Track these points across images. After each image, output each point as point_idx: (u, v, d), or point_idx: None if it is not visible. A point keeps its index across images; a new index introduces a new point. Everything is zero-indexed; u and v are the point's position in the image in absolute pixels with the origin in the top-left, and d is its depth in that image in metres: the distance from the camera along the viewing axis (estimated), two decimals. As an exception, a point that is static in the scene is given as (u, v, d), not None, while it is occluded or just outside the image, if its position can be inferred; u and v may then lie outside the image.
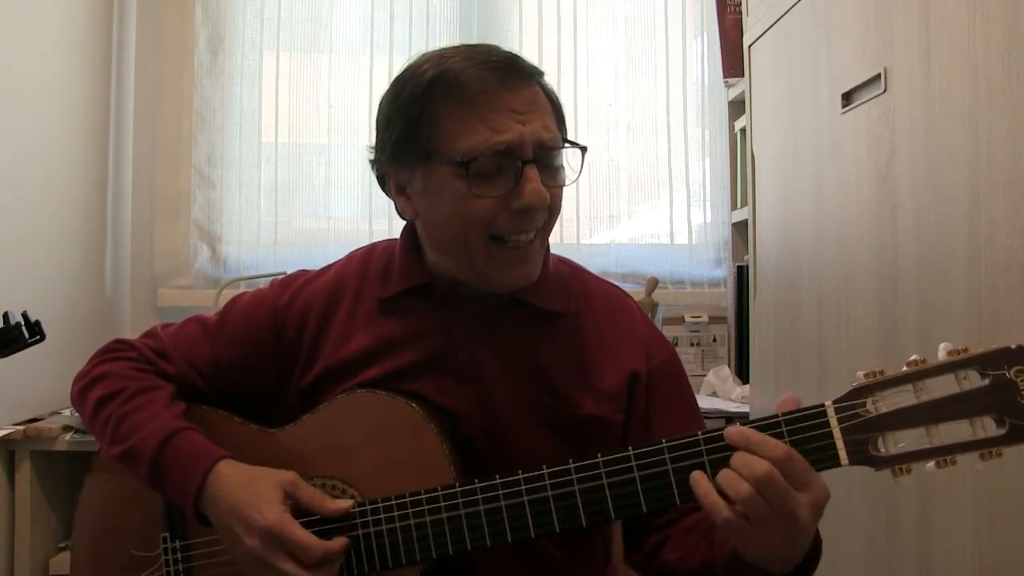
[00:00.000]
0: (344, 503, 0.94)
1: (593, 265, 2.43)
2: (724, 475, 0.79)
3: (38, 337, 1.22)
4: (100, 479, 1.12)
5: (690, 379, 1.11)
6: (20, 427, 1.84)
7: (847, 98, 1.37)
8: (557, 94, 1.02)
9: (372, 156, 1.05)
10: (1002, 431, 0.76)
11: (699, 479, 0.81)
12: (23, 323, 1.21)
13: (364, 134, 2.49)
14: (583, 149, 1.01)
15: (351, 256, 1.13)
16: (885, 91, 1.24)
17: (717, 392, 2.28)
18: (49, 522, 1.93)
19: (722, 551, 0.90)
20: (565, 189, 1.01)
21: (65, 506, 1.97)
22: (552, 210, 0.99)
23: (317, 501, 0.93)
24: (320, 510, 0.93)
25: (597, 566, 1.08)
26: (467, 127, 0.94)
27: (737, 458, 0.79)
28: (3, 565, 1.83)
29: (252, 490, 0.92)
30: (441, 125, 0.95)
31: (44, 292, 1.96)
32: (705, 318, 2.45)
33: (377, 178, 1.06)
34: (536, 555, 1.01)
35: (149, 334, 1.14)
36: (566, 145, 0.99)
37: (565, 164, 1.00)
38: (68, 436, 1.86)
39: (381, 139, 1.02)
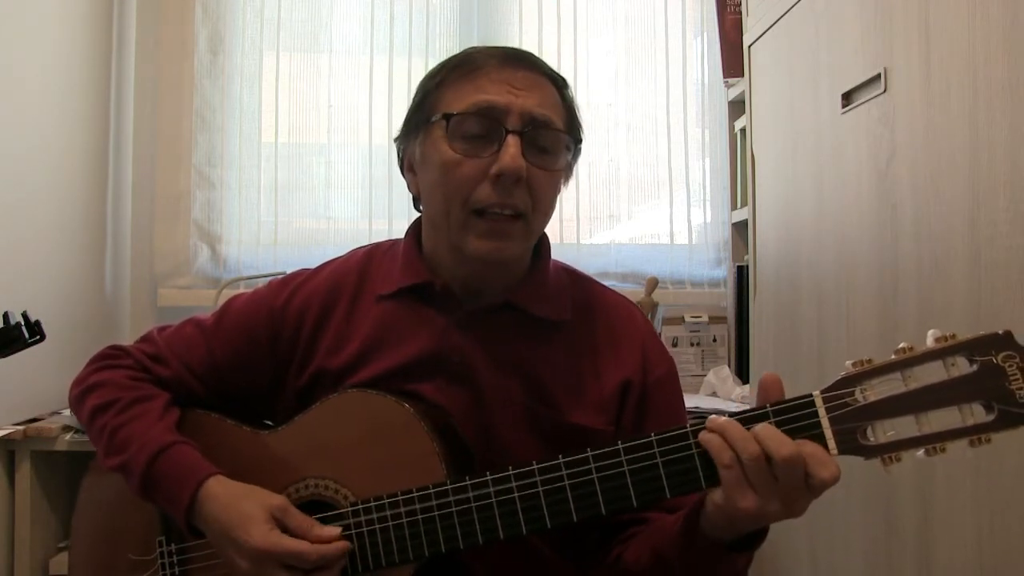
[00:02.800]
0: (334, 530, 0.93)
1: (593, 265, 2.45)
2: (738, 432, 0.79)
3: (38, 337, 1.22)
4: (97, 481, 1.12)
5: (690, 379, 1.11)
6: (20, 427, 1.84)
7: (847, 98, 1.37)
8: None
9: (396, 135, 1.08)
10: (991, 417, 0.76)
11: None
12: (23, 323, 1.21)
13: (364, 134, 2.49)
14: (577, 141, 1.02)
15: (352, 253, 1.13)
16: (885, 91, 1.24)
17: (717, 392, 2.27)
18: (49, 522, 1.93)
19: (670, 533, 0.90)
20: (565, 190, 1.01)
21: (65, 506, 1.97)
22: (536, 197, 0.98)
23: (306, 528, 0.92)
24: (307, 538, 0.92)
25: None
26: (463, 92, 0.98)
27: (763, 429, 0.78)
28: (3, 565, 1.83)
29: (238, 510, 0.92)
30: (443, 92, 1.01)
31: (44, 292, 1.96)
32: (705, 318, 2.45)
33: (399, 162, 1.09)
34: (529, 554, 1.00)
35: (145, 338, 1.13)
36: (560, 130, 1.00)
37: (561, 157, 1.01)
38: (68, 436, 1.86)
39: (404, 119, 1.07)
